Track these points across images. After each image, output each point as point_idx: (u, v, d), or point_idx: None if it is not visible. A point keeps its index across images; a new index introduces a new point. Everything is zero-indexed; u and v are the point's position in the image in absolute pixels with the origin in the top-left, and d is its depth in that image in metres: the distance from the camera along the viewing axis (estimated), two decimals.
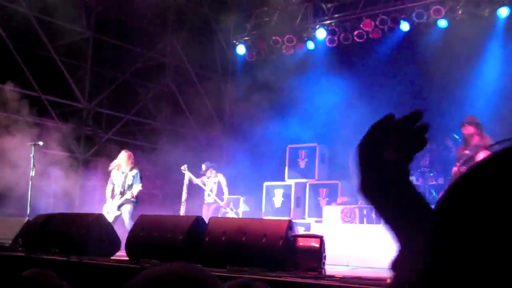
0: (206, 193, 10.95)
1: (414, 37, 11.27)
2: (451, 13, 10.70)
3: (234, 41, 13.20)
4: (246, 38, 13.05)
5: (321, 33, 12.02)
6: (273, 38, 12.56)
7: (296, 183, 11.75)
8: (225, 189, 10.93)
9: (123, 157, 9.69)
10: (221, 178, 10.96)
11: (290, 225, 6.01)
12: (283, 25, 12.44)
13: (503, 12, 10.29)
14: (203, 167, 10.85)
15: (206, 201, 11.00)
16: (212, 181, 10.95)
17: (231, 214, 11.11)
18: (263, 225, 6.44)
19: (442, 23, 10.90)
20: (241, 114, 11.55)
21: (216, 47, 13.48)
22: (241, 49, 13.17)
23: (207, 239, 6.03)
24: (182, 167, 10.67)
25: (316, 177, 11.70)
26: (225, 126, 13.64)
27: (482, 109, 9.41)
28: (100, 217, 7.06)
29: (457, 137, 9.09)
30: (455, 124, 8.79)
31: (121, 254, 6.49)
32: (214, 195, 10.88)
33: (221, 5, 13.00)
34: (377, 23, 11.31)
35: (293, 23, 12.34)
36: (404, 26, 11.22)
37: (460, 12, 10.61)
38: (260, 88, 12.27)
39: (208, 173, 10.91)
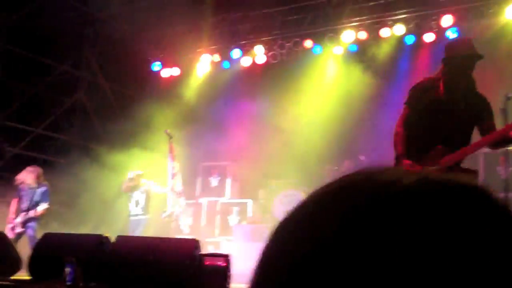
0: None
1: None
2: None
3: (150, 58, 13.11)
4: (162, 55, 12.99)
5: (236, 53, 12.13)
6: (189, 56, 12.58)
7: (208, 201, 11.77)
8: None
9: (29, 172, 9.43)
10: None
11: (196, 245, 6.03)
12: (198, 44, 12.46)
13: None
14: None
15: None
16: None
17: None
18: (171, 244, 6.43)
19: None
20: (155, 131, 11.44)
21: (132, 63, 13.34)
22: (156, 66, 13.09)
23: (112, 259, 5.96)
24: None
25: (227, 196, 11.78)
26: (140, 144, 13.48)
27: None
28: (1, 235, 6.82)
29: None
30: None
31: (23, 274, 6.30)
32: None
33: (139, 21, 12.89)
34: (291, 45, 11.53)
35: (209, 42, 12.39)
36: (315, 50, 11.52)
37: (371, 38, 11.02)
38: (175, 106, 12.27)
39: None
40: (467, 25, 10.04)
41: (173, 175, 9.91)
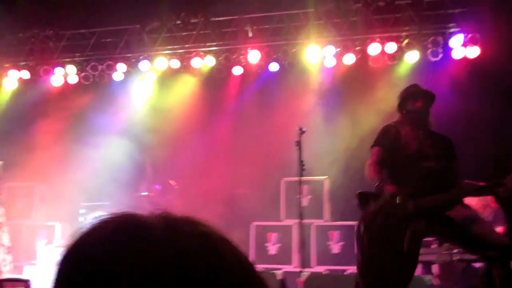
0: None
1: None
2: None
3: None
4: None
5: (46, 71, 11.81)
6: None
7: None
8: None
9: None
10: None
11: None
12: (6, 59, 11.98)
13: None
14: None
15: None
16: None
17: None
18: None
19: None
20: None
21: None
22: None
23: None
24: None
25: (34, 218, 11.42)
26: None
27: None
28: None
29: None
30: None
31: None
32: None
33: None
34: (103, 67, 11.55)
35: (17, 58, 11.96)
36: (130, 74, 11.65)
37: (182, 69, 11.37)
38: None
39: None
40: (271, 61, 10.79)
41: None
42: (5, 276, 8.67)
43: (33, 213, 11.47)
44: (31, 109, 11.86)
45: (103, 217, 0.91)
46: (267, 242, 10.07)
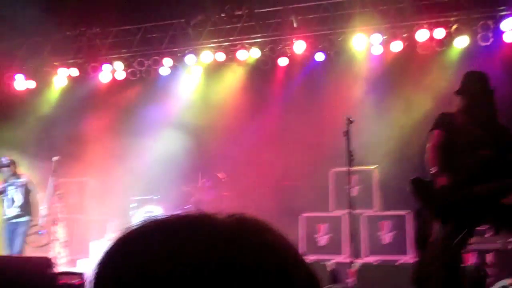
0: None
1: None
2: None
3: (3, 70, 12.54)
4: (17, 67, 12.51)
5: (95, 68, 11.99)
6: (45, 70, 12.27)
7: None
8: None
9: None
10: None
11: (49, 263, 5.97)
12: (56, 57, 12.21)
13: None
14: None
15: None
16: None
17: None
18: (23, 264, 6.32)
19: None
20: (11, 148, 11.00)
21: None
22: (11, 79, 12.56)
23: None
24: None
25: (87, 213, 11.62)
26: None
27: None
28: None
29: None
30: None
31: None
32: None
33: None
34: (150, 62, 11.64)
35: (66, 56, 12.17)
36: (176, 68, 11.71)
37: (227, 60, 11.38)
38: (30, 120, 11.97)
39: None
40: (317, 51, 10.70)
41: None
42: (61, 269, 8.84)
43: (86, 208, 11.67)
44: (81, 105, 12.08)
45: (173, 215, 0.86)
46: (316, 233, 10.01)
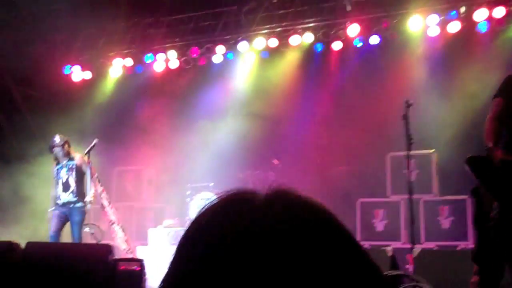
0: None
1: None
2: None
3: (61, 61, 12.81)
4: (73, 58, 12.76)
5: (149, 58, 12.10)
6: (101, 60, 12.46)
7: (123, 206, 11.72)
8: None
9: None
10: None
11: (110, 250, 6.04)
12: (111, 48, 12.37)
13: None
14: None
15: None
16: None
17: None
18: (83, 250, 6.42)
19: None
20: (68, 135, 11.22)
21: (42, 66, 13.01)
22: (67, 69, 12.82)
23: (22, 266, 5.81)
24: None
25: (143, 200, 11.77)
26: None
27: None
28: None
29: None
30: None
31: None
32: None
33: (49, 23, 12.55)
34: (203, 50, 11.66)
35: (121, 46, 12.33)
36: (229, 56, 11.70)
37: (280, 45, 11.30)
38: (87, 110, 12.19)
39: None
40: (372, 34, 10.50)
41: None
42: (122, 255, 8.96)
43: (143, 196, 11.83)
44: (136, 94, 12.22)
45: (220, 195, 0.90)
46: (373, 219, 9.88)
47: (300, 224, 0.79)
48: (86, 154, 9.14)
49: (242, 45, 11.30)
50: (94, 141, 9.22)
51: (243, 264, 0.74)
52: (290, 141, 10.56)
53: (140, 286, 5.78)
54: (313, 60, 11.23)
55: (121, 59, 12.27)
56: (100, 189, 9.46)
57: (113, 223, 9.54)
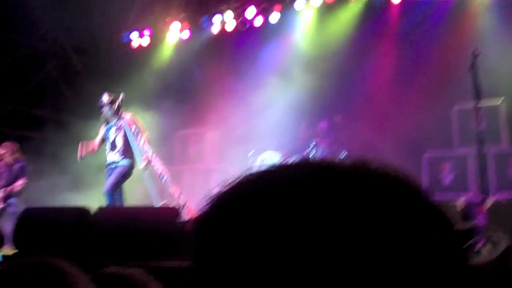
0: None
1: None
2: None
3: (119, 28, 12.95)
4: (131, 25, 12.84)
5: (206, 21, 12.02)
6: (158, 25, 12.49)
7: (187, 168, 11.81)
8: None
9: (7, 148, 9.40)
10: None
11: (177, 212, 6.10)
12: (168, 13, 12.36)
13: None
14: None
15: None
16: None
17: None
18: (152, 213, 6.49)
19: None
20: (129, 101, 11.33)
21: (100, 34, 13.18)
22: (125, 36, 12.94)
23: (93, 230, 5.93)
24: None
25: (206, 162, 11.84)
26: None
27: None
28: None
29: None
30: None
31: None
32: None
33: None
34: (259, 11, 11.50)
35: (178, 10, 12.29)
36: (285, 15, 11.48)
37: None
38: (146, 76, 12.27)
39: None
40: None
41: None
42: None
43: (206, 158, 11.89)
44: (194, 58, 12.22)
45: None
46: (441, 172, 9.64)
47: (385, 200, 0.69)
48: (116, 109, 8.70)
49: (299, 3, 11.07)
50: (121, 95, 8.76)
51: (323, 242, 0.64)
52: (353, 96, 10.36)
53: None
54: (372, 14, 10.90)
55: (178, 23, 12.25)
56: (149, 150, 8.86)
57: (163, 176, 8.93)
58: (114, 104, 8.69)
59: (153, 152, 8.81)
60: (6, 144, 9.47)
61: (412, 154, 9.58)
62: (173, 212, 6.05)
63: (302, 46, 11.47)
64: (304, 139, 10.30)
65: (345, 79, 10.55)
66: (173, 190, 8.87)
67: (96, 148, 8.86)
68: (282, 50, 11.48)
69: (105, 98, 8.76)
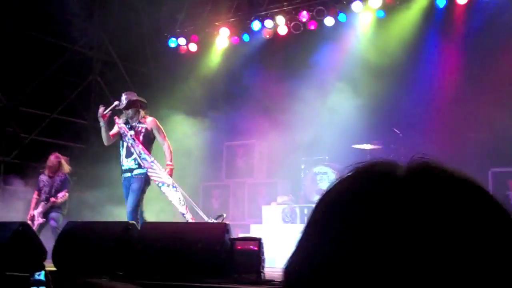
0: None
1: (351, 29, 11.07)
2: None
3: (166, 34, 12.65)
4: (178, 30, 12.52)
5: (256, 25, 11.59)
6: (206, 31, 12.12)
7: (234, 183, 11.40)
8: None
9: (53, 161, 9.17)
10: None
11: (227, 228, 5.82)
12: (216, 17, 12.00)
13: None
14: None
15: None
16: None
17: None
18: (199, 229, 6.23)
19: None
20: (174, 109, 11.01)
21: (146, 40, 12.91)
22: (172, 42, 12.60)
23: (139, 247, 5.80)
24: None
25: (255, 176, 11.39)
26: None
27: None
28: (24, 225, 6.52)
29: None
30: None
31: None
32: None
33: None
34: (314, 14, 10.98)
35: (227, 15, 11.92)
36: (341, 18, 10.94)
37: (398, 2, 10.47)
38: (194, 83, 11.90)
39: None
40: None
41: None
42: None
43: (254, 171, 11.44)
44: (244, 63, 11.75)
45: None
46: (508, 190, 8.95)
47: (452, 201, 0.67)
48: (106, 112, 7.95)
49: (356, 5, 10.49)
50: (114, 103, 8.04)
51: (387, 246, 0.63)
52: (413, 106, 9.71)
53: (258, 266, 5.58)
54: (435, 17, 10.25)
55: (227, 28, 11.84)
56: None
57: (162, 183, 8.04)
58: (132, 106, 8.03)
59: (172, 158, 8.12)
60: (53, 155, 9.28)
61: (477, 170, 8.91)
62: (222, 229, 5.81)
63: (360, 51, 10.76)
64: (357, 153, 9.73)
65: (404, 88, 9.87)
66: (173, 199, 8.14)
67: (111, 138, 8.11)
68: (338, 56, 10.82)
69: (123, 99, 8.04)
